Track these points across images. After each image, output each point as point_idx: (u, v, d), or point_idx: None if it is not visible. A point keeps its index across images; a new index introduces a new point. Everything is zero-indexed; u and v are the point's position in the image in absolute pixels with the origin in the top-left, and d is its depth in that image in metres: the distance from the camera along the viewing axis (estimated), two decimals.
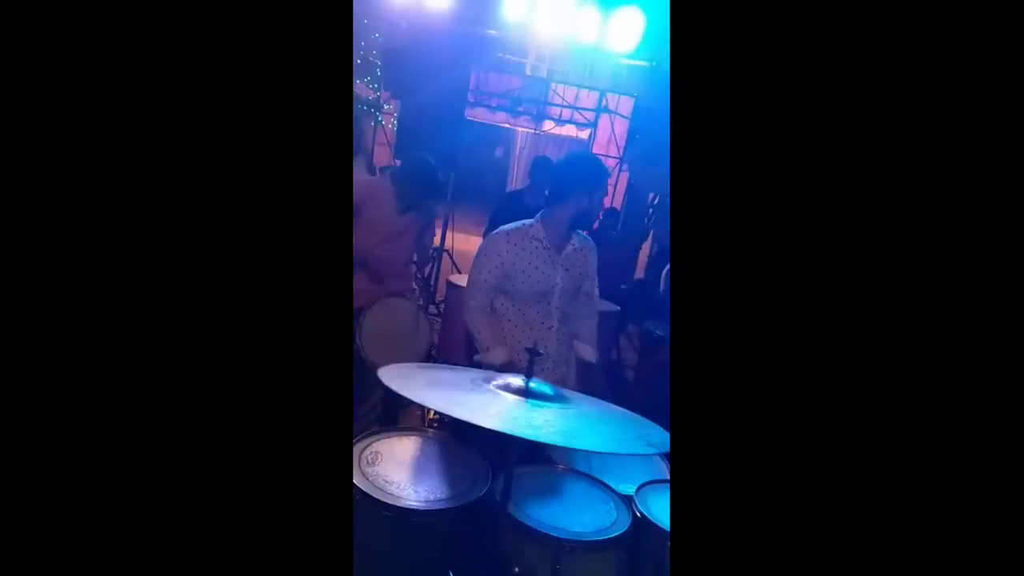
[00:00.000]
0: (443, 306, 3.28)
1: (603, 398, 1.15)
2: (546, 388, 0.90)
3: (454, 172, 3.57)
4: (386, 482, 1.19)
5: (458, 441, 1.39)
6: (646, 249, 4.99)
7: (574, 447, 1.08)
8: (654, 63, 3.95)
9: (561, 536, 1.11)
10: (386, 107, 4.21)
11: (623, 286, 3.95)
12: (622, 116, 5.10)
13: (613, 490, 1.31)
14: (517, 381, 0.91)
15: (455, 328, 2.78)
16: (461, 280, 2.88)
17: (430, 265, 3.90)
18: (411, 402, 2.82)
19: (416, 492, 1.17)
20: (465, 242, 4.41)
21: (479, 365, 1.53)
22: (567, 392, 0.96)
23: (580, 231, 1.67)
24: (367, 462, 1.25)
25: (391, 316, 2.10)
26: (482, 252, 1.63)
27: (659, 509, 1.24)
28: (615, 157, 4.99)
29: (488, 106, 4.88)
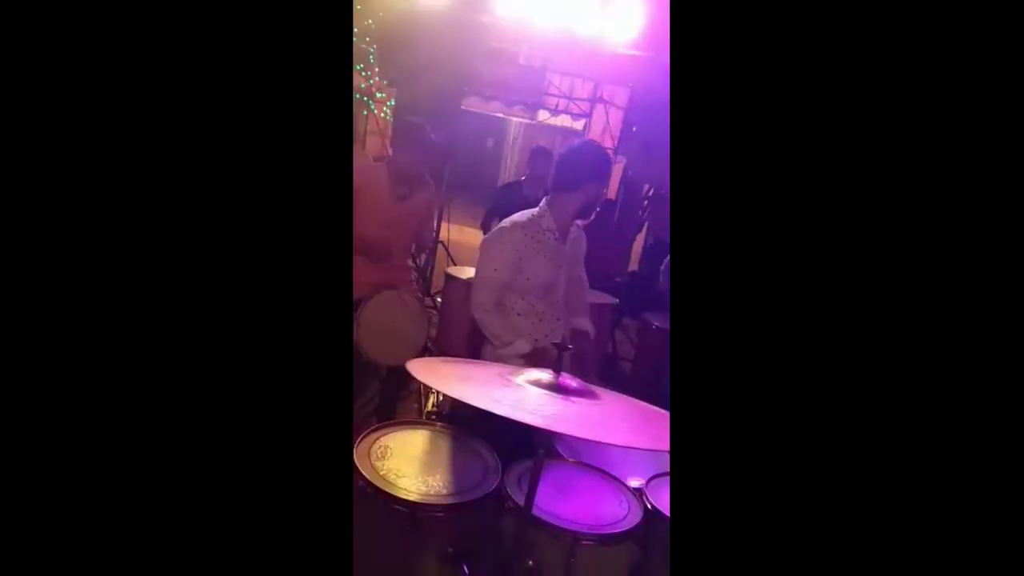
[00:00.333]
0: (440, 298, 3.24)
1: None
2: (573, 383, 0.89)
3: (450, 163, 3.53)
4: (397, 476, 1.17)
5: (465, 435, 1.38)
6: (640, 241, 4.99)
7: (616, 445, 1.07)
8: (651, 53, 3.93)
9: (575, 529, 1.11)
10: (379, 95, 4.13)
11: (617, 278, 3.96)
12: (617, 106, 5.07)
13: (623, 483, 1.32)
14: (544, 376, 0.89)
15: (453, 321, 2.76)
16: (459, 272, 2.85)
17: (425, 257, 3.86)
18: (407, 395, 2.77)
19: (427, 486, 1.16)
20: (458, 233, 4.37)
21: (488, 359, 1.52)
22: (593, 387, 0.95)
23: (577, 221, 1.66)
24: (377, 456, 1.23)
25: (389, 309, 2.07)
26: (494, 245, 1.55)
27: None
28: (610, 148, 4.97)
29: (482, 95, 4.82)
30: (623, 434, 0.81)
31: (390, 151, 3.94)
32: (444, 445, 1.35)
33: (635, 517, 1.19)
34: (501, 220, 3.29)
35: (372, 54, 3.70)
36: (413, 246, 2.48)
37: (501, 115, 6.07)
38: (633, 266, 4.67)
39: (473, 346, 2.29)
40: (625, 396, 1.02)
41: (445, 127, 2.24)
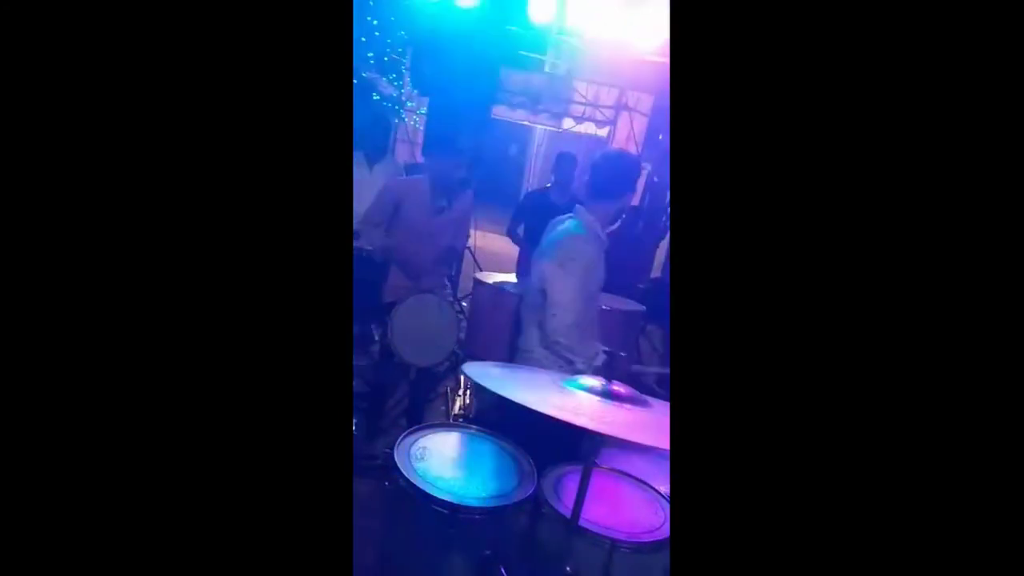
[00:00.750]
0: (468, 303, 3.28)
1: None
2: (624, 389, 0.90)
3: (477, 170, 3.56)
4: (436, 477, 1.20)
5: (501, 439, 1.40)
6: (663, 248, 4.96)
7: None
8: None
9: (614, 536, 1.12)
10: (409, 104, 4.21)
11: (640, 285, 3.94)
12: (642, 113, 5.07)
13: (658, 491, 1.32)
14: (596, 383, 0.91)
15: (482, 325, 2.79)
16: (487, 278, 2.88)
17: (455, 263, 3.90)
18: (434, 397, 2.80)
19: (465, 488, 1.18)
20: (482, 239, 4.41)
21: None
22: (642, 394, 0.96)
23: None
24: (416, 457, 1.26)
25: (421, 312, 2.12)
26: (575, 259, 1.46)
27: None
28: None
29: (509, 103, 4.87)
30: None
31: (419, 159, 4.01)
32: (480, 448, 1.38)
33: None
34: (527, 226, 3.28)
35: (404, 64, 3.78)
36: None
37: (527, 123, 6.11)
38: (656, 273, 4.63)
39: (500, 350, 2.31)
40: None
41: (476, 136, 2.28)
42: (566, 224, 1.58)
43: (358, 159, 2.91)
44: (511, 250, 3.42)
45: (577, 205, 1.64)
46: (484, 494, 1.18)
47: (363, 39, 3.58)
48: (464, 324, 2.87)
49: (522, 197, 3.54)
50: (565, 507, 1.18)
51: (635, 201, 4.76)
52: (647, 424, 0.82)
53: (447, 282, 2.45)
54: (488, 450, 1.37)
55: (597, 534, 1.11)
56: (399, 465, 1.19)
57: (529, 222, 3.12)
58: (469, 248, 4.13)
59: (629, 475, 1.37)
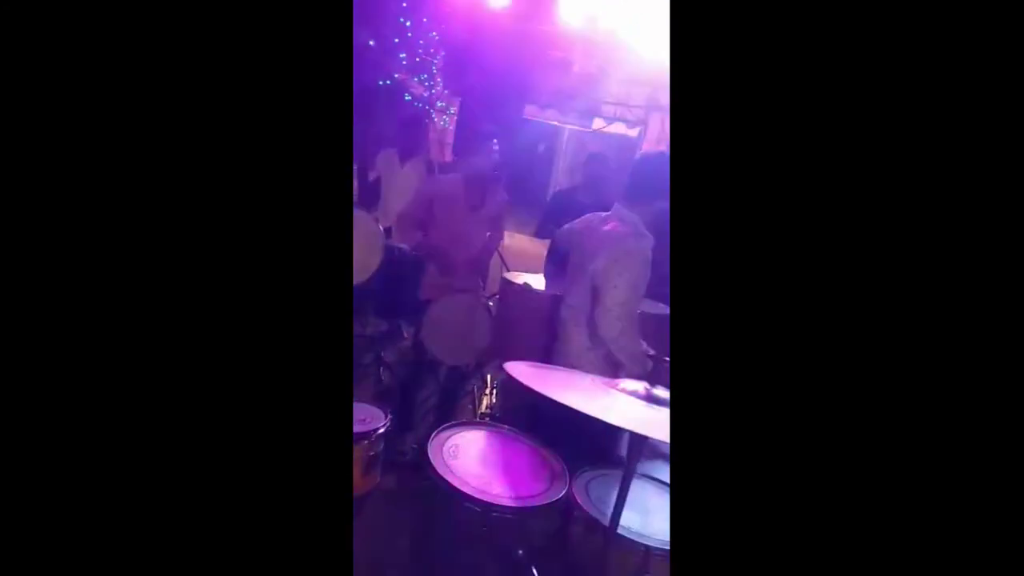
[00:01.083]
0: (496, 303, 3.29)
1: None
2: (666, 393, 0.89)
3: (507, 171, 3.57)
4: (469, 475, 1.20)
5: (531, 439, 1.40)
6: None
7: None
8: None
9: (649, 544, 1.10)
10: (439, 104, 4.25)
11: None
12: None
13: None
14: (638, 386, 0.90)
15: (510, 325, 2.79)
16: (516, 278, 2.89)
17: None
18: (464, 393, 2.81)
19: (497, 487, 1.18)
20: (508, 239, 4.41)
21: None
22: None
23: None
24: (450, 455, 1.27)
25: (455, 311, 2.14)
26: (632, 255, 1.41)
27: None
28: None
29: (538, 103, 4.87)
30: None
31: (448, 158, 4.04)
32: (511, 448, 1.37)
33: None
34: (556, 226, 3.26)
35: (435, 64, 3.82)
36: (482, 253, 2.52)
37: (556, 123, 6.09)
38: None
39: (527, 350, 2.31)
40: None
41: (507, 136, 2.29)
42: (614, 223, 1.54)
43: (390, 157, 2.96)
44: (538, 250, 3.41)
45: (616, 205, 1.61)
46: (515, 494, 1.18)
47: (396, 40, 3.63)
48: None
49: (550, 198, 3.51)
50: (598, 511, 1.16)
51: None
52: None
53: (481, 282, 2.46)
54: (519, 450, 1.37)
55: (631, 540, 1.09)
56: (432, 462, 1.20)
57: (558, 224, 3.10)
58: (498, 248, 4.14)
59: (661, 480, 1.34)
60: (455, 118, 4.14)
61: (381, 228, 2.26)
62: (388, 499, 1.71)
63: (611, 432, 1.31)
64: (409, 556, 1.29)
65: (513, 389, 2.37)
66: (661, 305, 2.80)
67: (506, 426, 1.44)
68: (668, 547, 1.11)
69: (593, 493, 1.24)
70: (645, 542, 1.10)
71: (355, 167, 3.16)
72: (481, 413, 2.75)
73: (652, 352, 1.21)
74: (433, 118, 4.28)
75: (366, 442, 1.45)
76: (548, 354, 2.18)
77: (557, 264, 2.12)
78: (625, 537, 1.10)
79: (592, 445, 1.38)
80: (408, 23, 3.60)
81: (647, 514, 1.21)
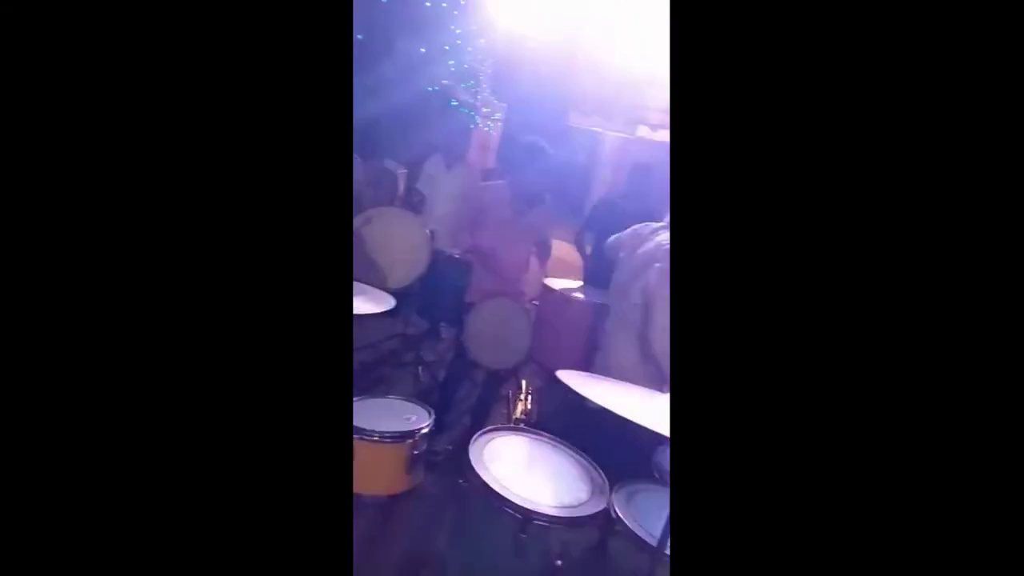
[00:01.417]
0: (535, 309, 3.30)
1: None
2: None
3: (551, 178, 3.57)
4: (510, 480, 1.21)
5: (571, 447, 1.39)
6: None
7: None
8: None
9: None
10: (485, 110, 4.31)
11: None
12: None
13: None
14: None
15: (549, 331, 2.79)
16: (555, 284, 2.89)
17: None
18: (501, 396, 2.82)
19: (537, 494, 1.18)
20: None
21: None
22: None
23: None
24: (490, 458, 1.28)
25: (498, 316, 2.16)
26: None
27: None
28: None
29: (581, 110, 4.85)
30: None
31: (492, 164, 4.08)
32: (552, 456, 1.38)
33: None
34: (597, 235, 3.23)
35: (482, 71, 3.88)
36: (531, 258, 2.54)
37: (599, 129, 6.05)
38: None
39: (566, 356, 2.30)
40: None
41: (553, 143, 2.30)
42: (664, 235, 1.52)
43: (436, 162, 3.02)
44: (577, 258, 3.39)
45: (668, 217, 1.60)
46: (555, 502, 1.18)
47: (446, 47, 3.71)
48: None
49: (592, 207, 3.49)
50: (641, 528, 1.15)
51: None
52: None
53: (525, 289, 2.47)
54: (559, 459, 1.37)
55: (668, 554, 1.07)
56: (473, 466, 1.22)
57: (600, 233, 3.08)
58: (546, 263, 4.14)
59: None
60: (500, 124, 4.19)
61: (428, 232, 2.31)
62: (420, 499, 1.74)
63: (657, 444, 1.29)
64: (446, 557, 1.31)
65: (551, 395, 2.36)
66: None
67: (546, 433, 1.45)
68: None
69: (635, 507, 1.23)
70: None
71: (404, 171, 3.24)
72: (515, 418, 2.75)
73: None
74: (478, 124, 4.35)
75: (410, 441, 1.48)
76: (588, 363, 2.17)
77: (600, 274, 2.10)
78: (666, 552, 1.08)
79: (634, 457, 1.37)
80: (459, 30, 3.68)
81: None
